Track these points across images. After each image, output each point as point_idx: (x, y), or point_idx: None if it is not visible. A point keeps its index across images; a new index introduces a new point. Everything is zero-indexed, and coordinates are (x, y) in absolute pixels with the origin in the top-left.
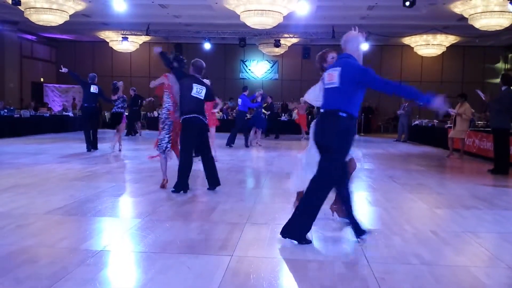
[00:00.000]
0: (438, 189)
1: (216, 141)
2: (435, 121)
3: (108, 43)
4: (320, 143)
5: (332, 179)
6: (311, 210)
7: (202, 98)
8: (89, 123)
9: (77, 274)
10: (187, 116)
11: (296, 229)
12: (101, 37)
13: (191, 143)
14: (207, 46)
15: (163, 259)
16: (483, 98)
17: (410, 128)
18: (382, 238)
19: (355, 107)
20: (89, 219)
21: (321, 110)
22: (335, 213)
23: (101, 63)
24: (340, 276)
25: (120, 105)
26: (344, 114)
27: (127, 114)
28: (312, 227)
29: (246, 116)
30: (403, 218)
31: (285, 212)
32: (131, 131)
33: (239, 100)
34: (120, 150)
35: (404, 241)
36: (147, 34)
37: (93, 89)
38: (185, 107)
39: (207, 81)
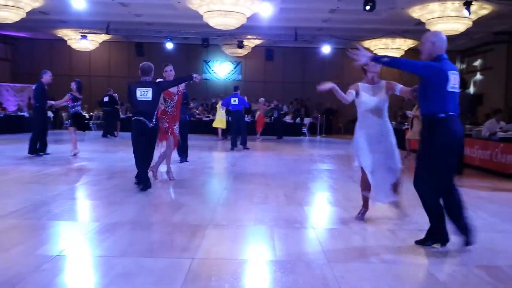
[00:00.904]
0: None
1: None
2: (393, 122)
3: (66, 41)
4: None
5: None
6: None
7: (150, 99)
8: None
9: (32, 280)
10: (134, 117)
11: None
12: (59, 35)
13: (135, 142)
14: (169, 46)
15: (123, 263)
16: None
17: None
18: (342, 237)
19: None
20: (45, 223)
21: (450, 114)
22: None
23: (59, 61)
24: (301, 276)
25: (78, 105)
26: None
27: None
28: (276, 228)
29: (244, 116)
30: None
31: (248, 213)
32: (107, 133)
33: (233, 100)
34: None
35: (363, 239)
36: (107, 33)
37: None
38: (134, 110)
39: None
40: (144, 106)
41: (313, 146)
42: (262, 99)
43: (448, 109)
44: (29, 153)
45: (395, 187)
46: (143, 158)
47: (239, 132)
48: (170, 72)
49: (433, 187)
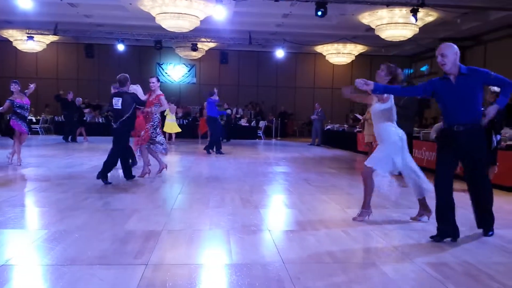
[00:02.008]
0: (349, 190)
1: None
2: (345, 125)
3: (12, 42)
4: None
5: None
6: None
7: (120, 107)
8: None
9: None
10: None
11: None
12: (4, 36)
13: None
14: (120, 47)
15: (72, 272)
16: (360, 119)
17: (323, 133)
18: (297, 239)
19: None
20: None
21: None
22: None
23: (4, 63)
24: (257, 278)
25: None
26: None
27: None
28: (232, 231)
29: (218, 121)
30: (317, 219)
31: (203, 217)
32: (68, 138)
33: (205, 105)
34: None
35: (318, 241)
36: (54, 34)
37: None
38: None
39: (133, 87)
40: (117, 114)
41: (269, 149)
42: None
43: None
44: None
45: None
46: (109, 153)
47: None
48: (152, 84)
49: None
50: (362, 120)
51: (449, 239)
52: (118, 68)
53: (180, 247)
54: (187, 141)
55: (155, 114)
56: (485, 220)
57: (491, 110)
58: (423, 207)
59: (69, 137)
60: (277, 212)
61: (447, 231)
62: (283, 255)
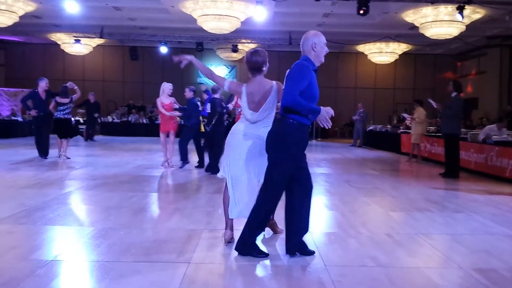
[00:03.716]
0: (392, 192)
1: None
2: (389, 126)
3: (60, 45)
4: None
5: None
6: None
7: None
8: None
9: (26, 285)
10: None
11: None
12: (52, 39)
13: None
14: (163, 50)
15: (118, 268)
16: (435, 107)
17: (365, 133)
18: (339, 242)
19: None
20: (39, 228)
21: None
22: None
23: (53, 66)
24: (297, 281)
25: (68, 110)
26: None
27: (84, 119)
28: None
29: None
30: (359, 221)
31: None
32: (89, 137)
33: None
34: (68, 158)
35: (360, 244)
36: (100, 37)
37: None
38: None
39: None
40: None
41: (309, 150)
42: None
43: None
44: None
45: None
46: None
47: None
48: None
49: None
50: (410, 120)
51: None
52: (162, 70)
53: (221, 246)
54: None
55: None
56: None
57: None
58: None
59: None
60: (318, 213)
61: None
62: (324, 258)
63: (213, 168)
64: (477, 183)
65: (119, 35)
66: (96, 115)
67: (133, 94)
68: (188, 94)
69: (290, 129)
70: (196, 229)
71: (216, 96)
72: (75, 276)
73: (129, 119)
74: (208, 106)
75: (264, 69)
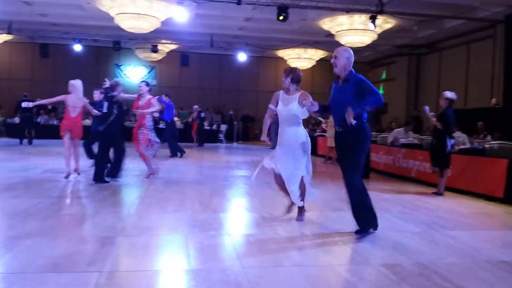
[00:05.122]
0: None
1: None
2: (306, 129)
3: None
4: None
5: None
6: None
7: (106, 111)
8: None
9: None
10: None
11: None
12: None
13: None
14: (77, 48)
15: (22, 280)
16: (430, 117)
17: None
18: (257, 243)
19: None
20: None
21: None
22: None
23: None
24: (216, 283)
25: None
26: None
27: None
28: (190, 236)
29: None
30: (277, 223)
31: (161, 222)
32: (23, 139)
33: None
34: None
35: (277, 244)
36: (8, 33)
37: None
38: None
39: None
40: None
41: (230, 153)
42: (196, 106)
43: None
44: None
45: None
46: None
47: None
48: (141, 88)
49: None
50: (325, 124)
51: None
52: (75, 69)
53: (136, 253)
54: None
55: (148, 117)
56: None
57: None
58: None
59: (26, 138)
60: (237, 216)
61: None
62: (242, 260)
63: (116, 173)
64: (386, 183)
65: (29, 31)
66: None
67: (43, 93)
68: (98, 96)
69: None
70: (109, 236)
71: (115, 93)
72: None
73: (39, 121)
74: (105, 105)
75: None
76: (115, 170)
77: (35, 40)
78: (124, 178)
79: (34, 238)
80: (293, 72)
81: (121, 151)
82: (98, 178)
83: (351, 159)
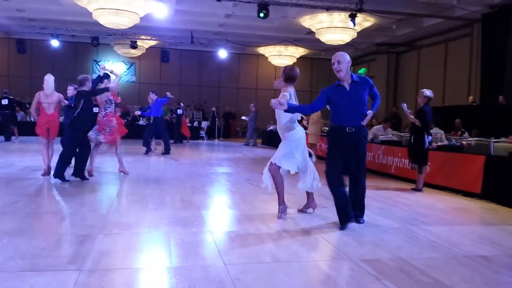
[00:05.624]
0: (290, 190)
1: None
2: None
3: None
4: None
5: None
6: None
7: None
8: None
9: None
10: None
11: None
12: None
13: None
14: (54, 43)
15: (0, 279)
16: (408, 115)
17: (264, 133)
18: (239, 240)
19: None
20: None
21: None
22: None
23: None
24: (197, 281)
25: None
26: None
27: None
28: (172, 233)
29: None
30: (259, 219)
31: (142, 219)
32: (7, 137)
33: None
34: None
35: (259, 241)
36: None
37: None
38: None
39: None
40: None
41: (211, 150)
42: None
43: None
44: None
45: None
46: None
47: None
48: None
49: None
50: (306, 120)
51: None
52: (53, 64)
53: (116, 251)
54: (124, 142)
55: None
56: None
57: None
58: (311, 199)
59: (7, 137)
60: (219, 213)
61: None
62: (224, 256)
63: (80, 172)
64: (366, 179)
65: (5, 27)
66: None
67: (20, 90)
68: (72, 92)
69: None
70: (89, 234)
71: (85, 88)
72: None
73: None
74: (73, 98)
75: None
76: (79, 168)
77: (11, 35)
78: (103, 176)
79: (12, 236)
80: (284, 70)
81: (86, 146)
82: (59, 174)
83: (362, 163)
